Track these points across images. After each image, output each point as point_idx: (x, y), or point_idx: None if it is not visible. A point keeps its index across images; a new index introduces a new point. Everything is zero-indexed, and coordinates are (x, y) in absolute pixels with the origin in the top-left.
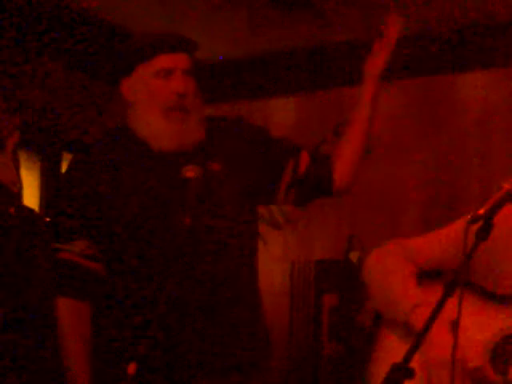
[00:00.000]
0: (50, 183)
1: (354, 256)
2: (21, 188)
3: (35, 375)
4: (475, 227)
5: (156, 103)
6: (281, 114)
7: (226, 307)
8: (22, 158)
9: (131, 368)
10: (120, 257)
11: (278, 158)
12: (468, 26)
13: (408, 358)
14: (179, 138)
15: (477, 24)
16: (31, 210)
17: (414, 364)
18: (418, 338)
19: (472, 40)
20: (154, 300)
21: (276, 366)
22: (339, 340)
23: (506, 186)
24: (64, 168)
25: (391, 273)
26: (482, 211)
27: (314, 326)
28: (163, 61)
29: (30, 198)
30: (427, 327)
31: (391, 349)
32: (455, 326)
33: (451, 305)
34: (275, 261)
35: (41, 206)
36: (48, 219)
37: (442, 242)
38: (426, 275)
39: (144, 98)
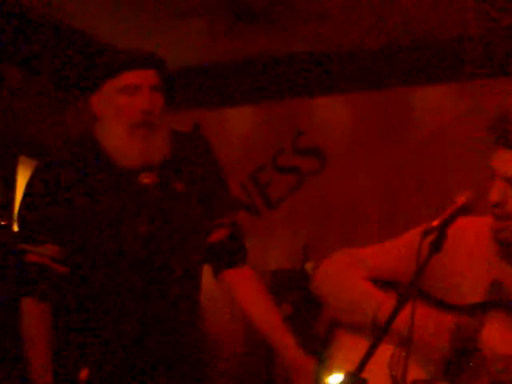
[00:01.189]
0: (6, 186)
1: (309, 266)
2: None
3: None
4: (428, 239)
5: (121, 119)
6: (237, 122)
7: (176, 315)
8: None
9: (83, 374)
10: (80, 262)
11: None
12: (423, 42)
13: (361, 367)
14: (143, 155)
15: (432, 40)
16: None
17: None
18: (382, 332)
19: (427, 55)
20: (110, 306)
21: (231, 373)
22: None
23: (460, 199)
24: (20, 171)
25: (346, 278)
26: (435, 223)
27: None
28: (129, 77)
29: None
30: (390, 322)
31: (346, 357)
32: (409, 333)
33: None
34: None
35: None
36: (4, 222)
37: (393, 254)
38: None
39: (110, 114)
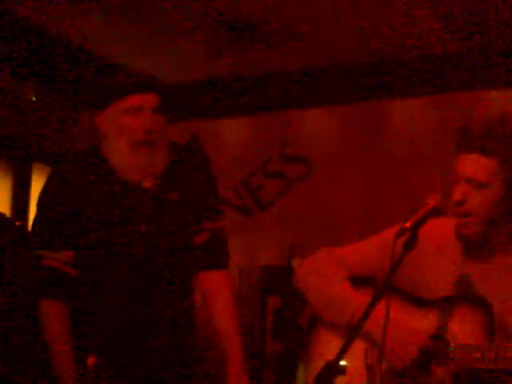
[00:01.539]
0: (21, 190)
1: (295, 263)
2: None
3: (26, 371)
4: (401, 239)
5: (125, 138)
6: (231, 133)
7: (173, 313)
8: None
9: (90, 360)
10: (87, 263)
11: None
12: (402, 60)
13: (340, 356)
14: (144, 171)
15: (409, 58)
16: (2, 214)
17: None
18: (353, 333)
19: (405, 71)
20: (111, 305)
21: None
22: (280, 339)
23: (431, 202)
24: (34, 176)
25: (326, 278)
26: (408, 224)
27: (258, 326)
28: (133, 100)
29: (2, 203)
30: (361, 324)
31: (326, 347)
32: (384, 327)
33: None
34: None
35: (12, 210)
36: (19, 222)
37: (370, 252)
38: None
39: (115, 132)
